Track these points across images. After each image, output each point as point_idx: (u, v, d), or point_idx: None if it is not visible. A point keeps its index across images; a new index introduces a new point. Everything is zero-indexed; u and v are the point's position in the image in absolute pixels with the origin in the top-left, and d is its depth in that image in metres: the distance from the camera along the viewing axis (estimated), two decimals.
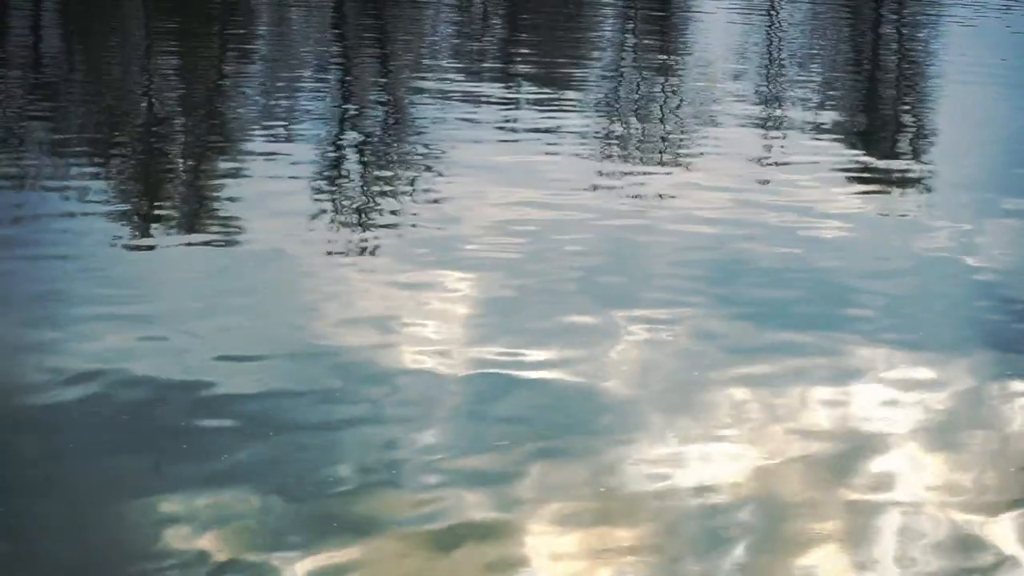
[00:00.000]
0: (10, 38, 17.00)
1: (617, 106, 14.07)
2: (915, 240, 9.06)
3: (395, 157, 10.73)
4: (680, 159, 11.30)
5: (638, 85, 15.50)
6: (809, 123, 13.38)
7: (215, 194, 9.26)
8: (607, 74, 16.34)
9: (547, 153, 10.98)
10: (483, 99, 13.33)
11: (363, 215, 8.88)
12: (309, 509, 4.88)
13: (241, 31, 18.47)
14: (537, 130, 11.91)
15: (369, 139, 11.53)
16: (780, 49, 20.01)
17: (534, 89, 14.50)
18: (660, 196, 9.79)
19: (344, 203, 9.17)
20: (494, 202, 9.22)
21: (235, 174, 9.78)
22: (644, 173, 10.70)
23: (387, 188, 9.67)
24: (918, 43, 22.23)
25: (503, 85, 14.62)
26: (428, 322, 6.81)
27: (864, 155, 12.23)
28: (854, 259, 8.52)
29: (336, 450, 5.36)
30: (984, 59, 19.27)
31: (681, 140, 12.24)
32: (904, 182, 11.12)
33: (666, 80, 15.88)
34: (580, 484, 5.21)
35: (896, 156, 12.52)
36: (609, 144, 11.94)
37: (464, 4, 23.44)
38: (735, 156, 11.36)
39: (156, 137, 11.10)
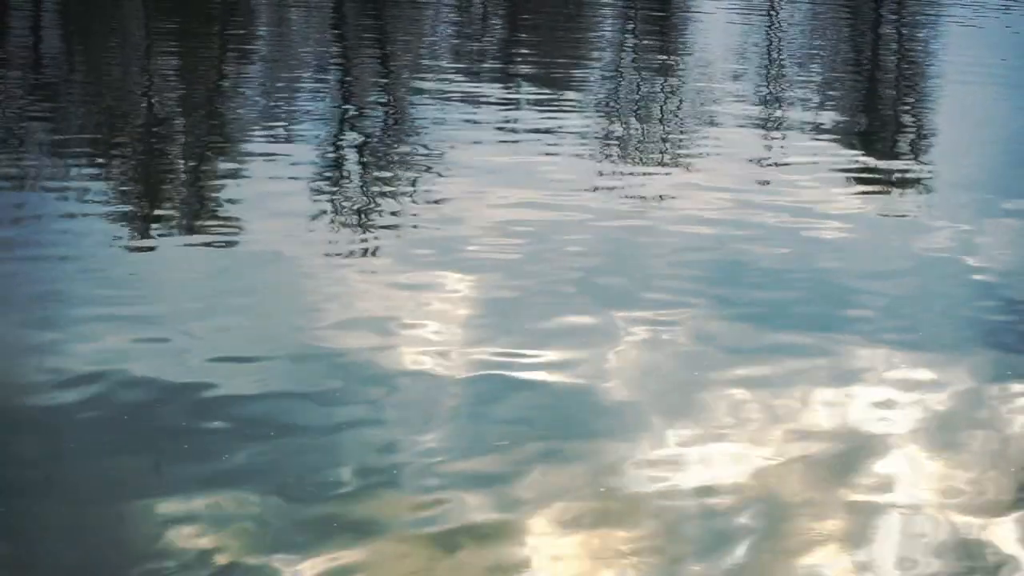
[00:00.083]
0: (10, 38, 17.00)
1: (617, 107, 14.07)
2: (915, 240, 9.06)
3: (395, 158, 10.73)
4: (680, 160, 11.30)
5: (638, 85, 15.50)
6: (809, 123, 13.38)
7: (215, 195, 9.26)
8: (607, 75, 16.34)
9: (547, 154, 10.98)
10: (483, 100, 13.33)
11: (363, 216, 8.88)
12: (309, 511, 4.88)
13: (241, 31, 18.47)
14: (537, 131, 11.91)
15: (369, 140, 11.53)
16: (780, 49, 20.01)
17: (534, 90, 14.50)
18: (660, 197, 9.79)
19: (344, 204, 9.17)
20: (494, 203, 9.22)
21: (235, 175, 9.78)
22: (644, 174, 10.70)
23: (387, 189, 9.67)
24: (918, 43, 22.23)
25: (503, 86, 14.62)
26: (428, 323, 6.81)
27: (864, 155, 12.23)
28: (854, 260, 8.51)
29: (336, 451, 5.36)
30: (984, 59, 19.27)
31: (681, 141, 12.24)
32: (904, 182, 11.13)
33: (666, 80, 15.88)
34: (581, 485, 5.21)
35: (896, 156, 12.52)
36: (609, 145, 11.95)
37: (464, 4, 23.44)
38: (735, 157, 11.36)
39: (156, 138, 11.09)
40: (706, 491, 5.24)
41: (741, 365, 6.53)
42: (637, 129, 12.83)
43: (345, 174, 10.19)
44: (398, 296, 7.22)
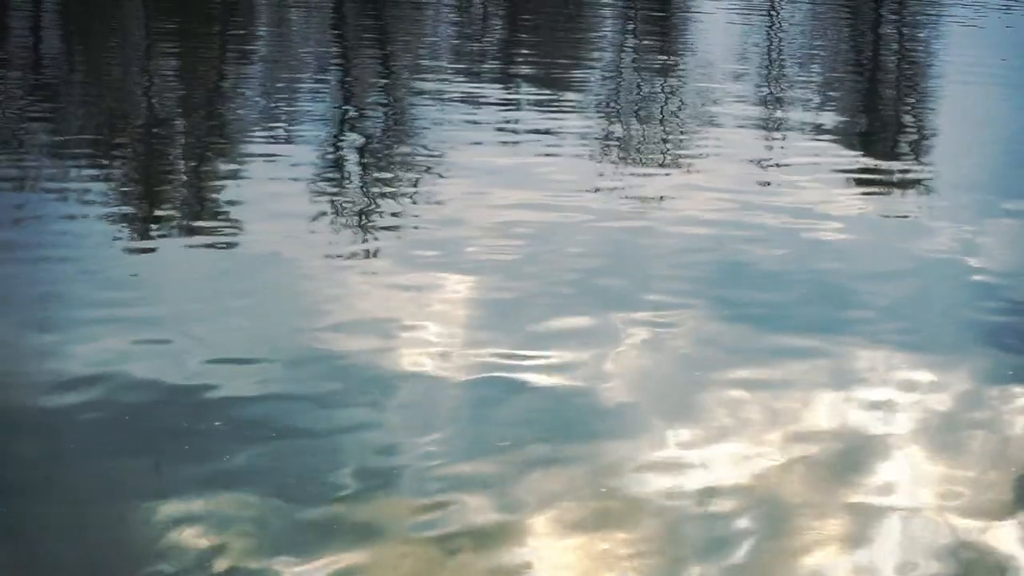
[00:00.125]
0: (10, 39, 17.00)
1: (617, 107, 14.06)
2: (916, 241, 9.05)
3: (395, 159, 10.73)
4: (680, 161, 11.30)
5: (638, 86, 15.49)
6: (809, 124, 13.38)
7: (216, 196, 9.26)
8: (607, 75, 16.33)
9: (547, 155, 10.97)
10: (483, 100, 13.33)
11: (363, 217, 8.88)
12: (310, 513, 4.87)
13: (241, 32, 18.47)
14: (537, 131, 11.91)
15: (369, 141, 11.53)
16: (780, 50, 20.01)
17: (534, 90, 14.50)
18: (660, 198, 9.78)
19: (344, 205, 9.17)
20: (494, 204, 9.21)
21: (235, 176, 9.78)
22: (644, 175, 10.69)
23: (387, 190, 9.67)
24: (918, 43, 22.23)
25: (503, 86, 14.62)
26: (429, 324, 6.80)
27: (865, 156, 12.23)
28: (855, 261, 8.51)
29: (337, 453, 5.35)
30: (984, 59, 19.27)
31: (681, 141, 12.24)
32: (905, 183, 11.12)
33: (666, 81, 15.88)
34: (582, 487, 5.20)
35: (897, 157, 12.52)
36: (609, 146, 11.94)
37: (464, 5, 23.44)
38: (735, 157, 11.35)
39: (156, 139, 11.09)
40: (707, 493, 5.23)
41: (742, 366, 6.53)
42: (637, 130, 12.83)
43: (345, 175, 10.19)
44: (398, 297, 7.22)
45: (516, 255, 8.06)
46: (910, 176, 11.47)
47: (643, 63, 17.77)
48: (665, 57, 18.43)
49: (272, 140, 11.09)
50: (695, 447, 5.65)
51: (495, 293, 7.40)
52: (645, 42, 20.22)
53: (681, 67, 17.30)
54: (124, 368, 6.02)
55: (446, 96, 13.37)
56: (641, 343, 6.78)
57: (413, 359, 6.36)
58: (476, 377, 6.21)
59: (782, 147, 12.20)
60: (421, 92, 13.59)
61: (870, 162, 11.96)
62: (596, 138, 12.05)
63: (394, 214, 8.98)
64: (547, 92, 14.32)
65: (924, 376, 6.57)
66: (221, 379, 5.98)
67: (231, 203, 9.01)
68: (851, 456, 5.65)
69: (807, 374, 6.51)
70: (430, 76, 14.80)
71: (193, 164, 10.28)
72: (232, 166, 10.12)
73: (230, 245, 8.09)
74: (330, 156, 10.72)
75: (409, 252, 8.05)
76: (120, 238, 8.16)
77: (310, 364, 6.26)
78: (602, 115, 13.45)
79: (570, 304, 7.28)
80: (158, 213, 8.83)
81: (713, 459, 5.55)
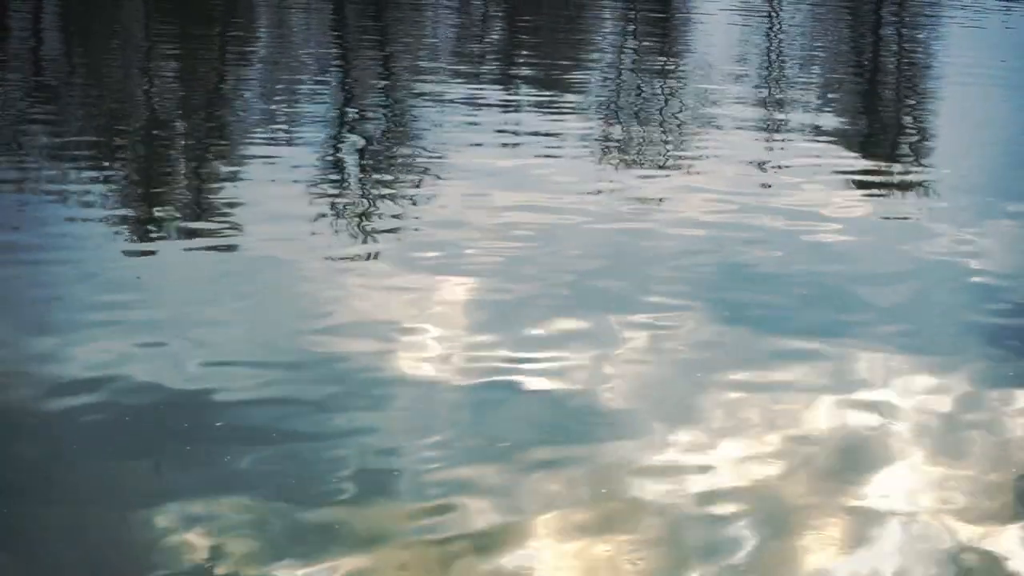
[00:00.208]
0: (10, 40, 17.00)
1: (617, 109, 14.06)
2: (916, 243, 9.04)
3: (395, 160, 10.73)
4: (680, 162, 11.30)
5: (638, 88, 15.49)
6: (809, 126, 13.38)
7: (216, 198, 9.25)
8: (607, 77, 16.34)
9: (547, 156, 10.98)
10: (483, 102, 13.33)
11: (363, 219, 8.88)
12: (310, 517, 4.87)
13: (241, 33, 18.47)
14: (537, 133, 11.91)
15: (369, 143, 11.52)
16: (780, 51, 20.01)
17: (534, 92, 14.50)
18: (661, 200, 9.78)
19: (344, 207, 9.16)
20: (494, 206, 9.21)
21: (236, 178, 9.78)
22: (644, 176, 10.69)
23: (387, 192, 9.66)
24: (918, 44, 22.24)
25: (503, 88, 14.63)
26: (429, 327, 6.80)
27: (865, 158, 12.23)
28: (855, 263, 8.51)
29: (337, 457, 5.35)
30: (984, 60, 19.28)
31: (681, 143, 12.24)
32: (905, 185, 11.12)
33: (666, 83, 15.88)
34: (582, 491, 5.20)
35: (897, 159, 12.51)
36: (609, 147, 11.94)
37: (464, 6, 23.44)
38: (735, 159, 11.36)
39: (156, 141, 11.09)
40: (707, 496, 5.23)
41: (742, 369, 6.53)
42: (637, 132, 12.83)
43: (345, 177, 10.19)
44: (398, 300, 7.21)
45: (516, 257, 8.06)
46: (910, 178, 11.46)
47: (643, 64, 17.77)
48: (665, 59, 18.44)
49: (272, 142, 11.09)
50: (695, 450, 5.65)
51: (495, 295, 7.40)
52: (645, 43, 20.22)
53: (681, 69, 17.31)
54: (124, 371, 6.02)
55: (446, 98, 13.38)
56: (641, 345, 6.77)
57: (413, 362, 6.36)
58: (476, 380, 6.20)
59: (782, 149, 12.20)
60: (421, 94, 13.60)
61: (870, 164, 11.96)
62: (596, 140, 12.05)
63: (394, 216, 8.97)
64: (547, 94, 14.32)
65: (924, 379, 6.57)
66: (221, 382, 5.98)
67: (231, 205, 9.00)
68: (851, 459, 5.64)
69: (807, 377, 6.51)
70: (430, 78, 14.80)
71: (193, 166, 10.28)
72: (232, 168, 10.12)
73: (230, 247, 8.08)
74: (330, 158, 10.72)
75: (409, 254, 8.05)
76: (120, 240, 8.16)
77: (310, 367, 6.25)
78: (602, 117, 13.45)
79: (570, 306, 7.28)
80: (158, 215, 8.83)
81: (713, 462, 5.54)
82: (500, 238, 8.44)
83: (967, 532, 5.08)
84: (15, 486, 5.03)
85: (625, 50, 19.46)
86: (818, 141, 12.67)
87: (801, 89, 16.33)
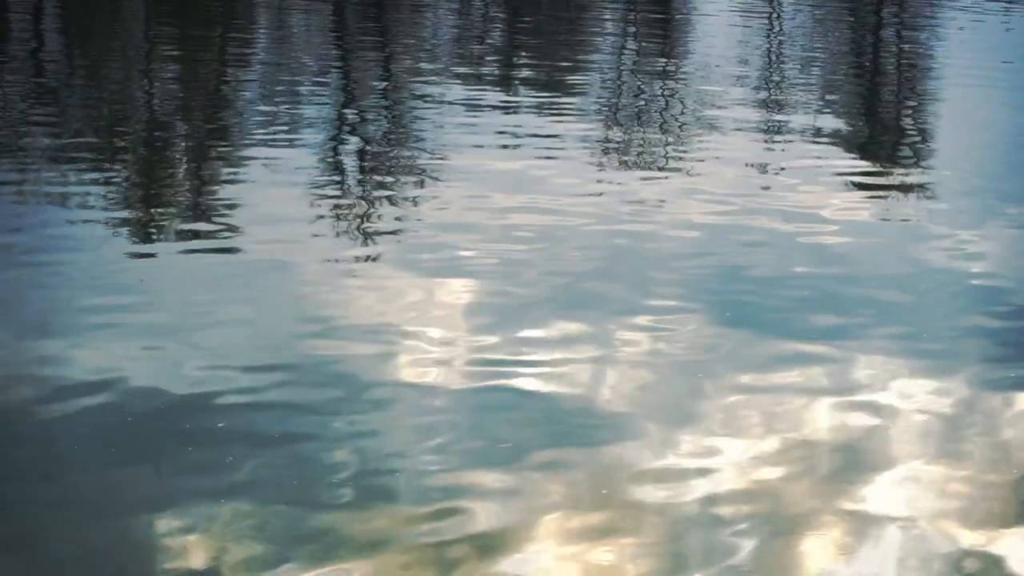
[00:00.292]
0: (10, 41, 17.00)
1: (618, 111, 14.06)
2: (917, 246, 9.04)
3: (396, 163, 10.73)
4: (681, 164, 11.29)
5: (638, 90, 15.50)
6: (810, 128, 13.38)
7: (217, 200, 9.25)
8: (607, 78, 16.34)
9: (547, 158, 10.98)
10: (483, 104, 13.34)
11: (364, 221, 8.88)
12: (311, 521, 4.87)
13: (241, 35, 18.47)
14: (537, 135, 11.92)
15: (370, 145, 11.53)
16: (781, 53, 20.01)
17: (534, 94, 14.50)
18: (661, 202, 9.78)
19: (345, 209, 9.16)
20: (495, 208, 9.22)
21: (236, 180, 9.77)
22: (645, 178, 10.69)
23: (388, 194, 9.66)
24: (919, 46, 22.24)
25: (503, 90, 14.63)
26: (429, 330, 6.80)
27: (866, 160, 12.23)
28: (855, 265, 8.51)
29: (337, 461, 5.35)
30: (986, 62, 19.29)
31: (682, 145, 12.23)
32: (906, 187, 11.12)
33: (667, 84, 15.89)
34: (583, 494, 5.20)
35: (897, 161, 12.51)
36: (610, 149, 11.94)
37: (464, 8, 23.44)
38: (736, 161, 11.36)
39: (157, 143, 11.09)
40: (707, 499, 5.23)
41: (742, 371, 6.53)
42: (638, 133, 12.83)
43: (346, 179, 10.19)
44: (399, 303, 7.21)
45: (517, 259, 8.07)
46: (911, 180, 11.46)
47: (643, 66, 17.77)
48: (665, 60, 18.44)
49: (273, 144, 11.08)
50: (696, 452, 5.65)
51: (496, 297, 7.40)
52: (645, 45, 20.22)
53: (681, 70, 17.31)
54: (126, 373, 6.02)
55: (446, 99, 13.39)
56: (641, 348, 6.77)
57: (414, 365, 6.36)
58: (477, 383, 6.20)
59: (782, 151, 12.20)
60: (421, 95, 13.60)
61: (870, 166, 11.96)
62: (596, 142, 12.05)
63: (395, 218, 8.98)
64: (547, 95, 14.33)
65: (925, 381, 6.57)
66: (223, 385, 5.98)
67: (232, 207, 9.00)
68: (851, 462, 5.64)
69: (807, 379, 6.51)
70: (430, 79, 14.80)
71: (194, 168, 10.28)
72: (233, 170, 10.11)
73: (231, 249, 8.08)
74: (331, 160, 10.72)
75: (410, 256, 8.05)
76: (121, 243, 8.16)
77: (311, 370, 6.25)
78: (602, 119, 13.45)
79: (571, 308, 7.28)
80: (159, 218, 8.83)
81: (714, 464, 5.54)
82: (501, 240, 8.44)
83: (967, 535, 5.08)
84: (16, 489, 5.03)
85: (625, 51, 19.46)
86: (818, 143, 12.67)
87: (801, 91, 16.33)
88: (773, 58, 19.34)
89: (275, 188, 9.51)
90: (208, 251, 8.06)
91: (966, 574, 4.85)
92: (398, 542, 4.77)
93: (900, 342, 7.08)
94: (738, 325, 7.19)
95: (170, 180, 9.92)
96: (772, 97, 15.52)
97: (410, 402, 5.98)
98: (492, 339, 6.74)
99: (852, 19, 25.67)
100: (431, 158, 10.76)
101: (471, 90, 14.25)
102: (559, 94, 14.48)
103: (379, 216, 9.04)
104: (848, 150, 12.52)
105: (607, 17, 23.43)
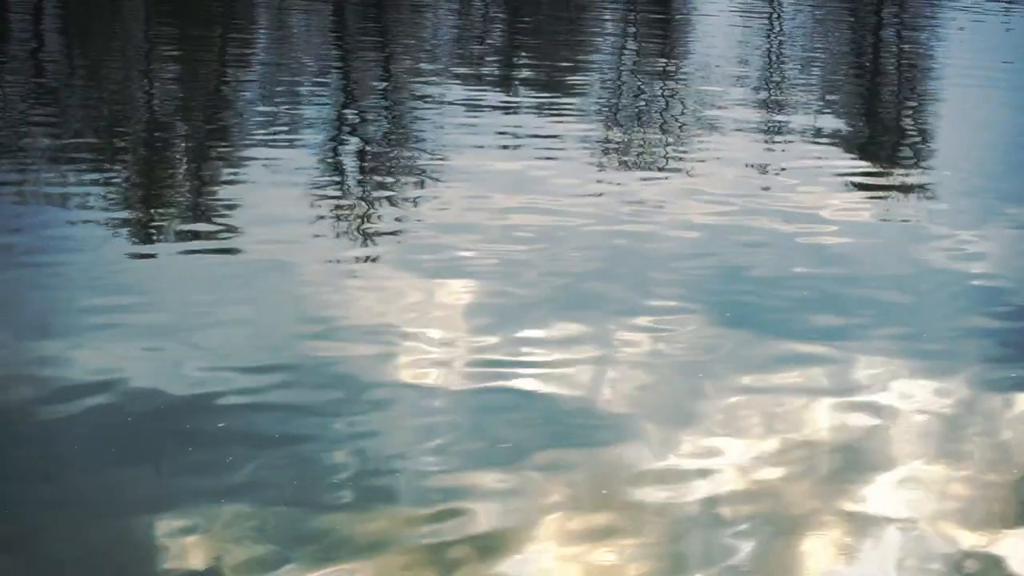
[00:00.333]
0: (10, 42, 17.00)
1: (618, 112, 14.06)
2: (917, 246, 9.04)
3: (396, 163, 10.73)
4: (681, 165, 11.29)
5: (638, 90, 15.50)
6: (810, 128, 13.38)
7: (217, 201, 9.25)
8: (607, 79, 16.34)
9: (548, 159, 10.97)
10: (483, 104, 13.34)
11: (364, 222, 8.88)
12: (311, 522, 4.86)
13: (241, 35, 18.48)
14: (537, 135, 11.92)
15: (370, 145, 11.53)
16: (781, 53, 20.01)
17: (534, 94, 14.50)
18: (661, 203, 9.78)
19: (345, 210, 9.16)
20: (495, 208, 9.22)
21: (236, 181, 9.77)
22: (645, 179, 10.69)
23: (388, 194, 9.67)
24: (919, 46, 22.24)
25: (503, 90, 14.63)
26: (429, 331, 6.80)
27: (866, 160, 12.23)
28: (855, 266, 8.51)
29: (337, 462, 5.34)
30: (986, 62, 19.29)
31: (682, 146, 12.23)
32: (906, 188, 11.12)
33: (667, 85, 15.89)
34: (583, 496, 5.20)
35: (898, 161, 12.51)
36: (610, 150, 11.94)
37: (464, 8, 23.44)
38: (736, 162, 11.36)
39: (157, 143, 11.09)
40: (709, 500, 5.23)
41: (742, 372, 6.53)
42: (638, 134, 12.83)
43: (346, 180, 10.19)
44: (399, 304, 7.21)
45: (517, 260, 8.06)
46: (911, 180, 11.46)
47: (643, 66, 17.77)
48: (665, 60, 18.44)
49: (273, 144, 11.08)
50: (696, 453, 5.65)
51: (496, 298, 7.40)
52: (645, 45, 20.22)
53: (681, 70, 17.31)
54: (126, 374, 6.02)
55: (446, 100, 13.39)
56: (642, 348, 6.77)
57: (414, 366, 6.36)
58: (477, 384, 6.20)
59: (783, 151, 12.20)
60: (421, 96, 13.60)
61: (871, 166, 11.96)
62: (596, 142, 12.05)
63: (395, 219, 8.98)
64: (547, 96, 14.33)
65: (925, 382, 6.56)
66: (223, 385, 5.98)
67: (232, 207, 9.00)
68: (852, 463, 5.64)
69: (807, 380, 6.51)
70: (430, 80, 14.81)
71: (194, 168, 10.28)
72: (233, 170, 10.11)
73: (231, 250, 8.08)
74: (331, 160, 10.72)
75: (410, 257, 8.05)
76: (121, 243, 8.16)
77: (312, 370, 6.25)
78: (602, 119, 13.45)
79: (571, 309, 7.28)
80: (159, 218, 8.83)
81: (714, 465, 5.54)
82: (501, 241, 8.44)
83: (968, 536, 5.08)
84: (16, 489, 5.03)
85: (625, 52, 19.46)
86: (818, 143, 12.68)
87: (801, 91, 16.33)
88: (773, 58, 19.35)
89: (275, 188, 9.52)
90: (208, 252, 8.06)
91: (966, 575, 4.85)
92: (398, 543, 4.77)
93: (900, 342, 7.08)
94: (738, 325, 7.19)
95: (170, 181, 9.92)
96: (772, 97, 15.52)
97: (410, 403, 5.98)
98: (492, 340, 6.74)
99: (852, 19, 25.67)
100: (431, 158, 10.76)
101: (471, 90, 14.25)
102: (559, 94, 14.48)
103: (379, 216, 9.04)
104: (848, 150, 12.52)
105: (607, 17, 23.43)
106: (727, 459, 5.61)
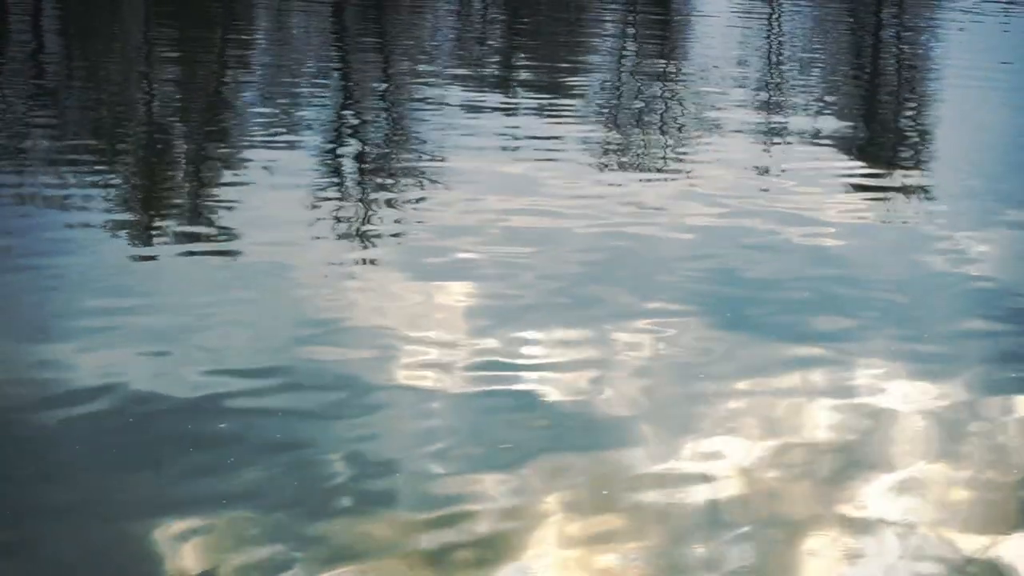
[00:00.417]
0: (10, 43, 17.00)
1: (617, 114, 14.06)
2: (916, 248, 9.04)
3: (395, 165, 10.72)
4: (681, 167, 11.30)
5: (638, 92, 15.50)
6: (809, 130, 13.38)
7: (217, 203, 9.25)
8: (607, 81, 16.34)
9: (547, 160, 10.98)
10: (483, 106, 13.34)
11: (364, 225, 8.88)
12: (312, 526, 4.86)
13: (241, 37, 18.48)
14: (537, 138, 11.92)
15: (369, 147, 11.53)
16: (780, 54, 20.02)
17: (534, 96, 14.51)
18: (660, 205, 9.77)
19: (345, 212, 9.16)
20: (494, 210, 9.21)
21: (236, 183, 9.77)
22: (644, 181, 10.69)
23: (388, 197, 9.67)
24: (918, 47, 22.24)
25: (503, 92, 14.64)
26: (429, 334, 6.79)
27: (865, 163, 12.23)
28: (854, 268, 8.51)
29: (338, 466, 5.34)
30: (985, 63, 19.29)
31: (681, 147, 12.23)
32: (906, 189, 11.11)
33: (666, 86, 15.89)
34: (583, 499, 5.20)
35: (897, 163, 12.51)
36: (609, 152, 11.94)
37: (464, 10, 23.45)
38: (735, 164, 11.36)
39: (156, 145, 11.09)
40: (708, 503, 5.23)
41: (742, 375, 6.53)
42: (637, 136, 12.83)
43: (346, 182, 10.19)
44: (399, 306, 7.21)
45: (516, 262, 8.06)
46: (910, 182, 11.46)
47: (643, 68, 17.77)
48: (665, 62, 18.44)
49: (273, 146, 11.08)
50: (696, 456, 5.65)
51: (496, 300, 7.40)
52: (645, 46, 20.23)
53: (681, 72, 17.31)
54: (125, 378, 6.01)
55: (446, 102, 13.39)
56: (642, 351, 6.77)
57: (414, 368, 6.36)
58: (476, 387, 6.20)
59: (782, 153, 12.20)
60: (421, 98, 13.60)
61: (870, 168, 11.96)
62: (596, 144, 12.05)
63: (395, 221, 8.98)
64: (547, 97, 14.34)
65: (925, 385, 6.56)
66: (223, 388, 5.97)
67: (232, 210, 9.00)
68: (852, 466, 5.64)
69: (807, 382, 6.51)
70: (430, 81, 14.81)
71: (194, 171, 10.28)
72: (233, 172, 10.12)
73: (231, 252, 8.08)
74: (331, 163, 10.72)
75: (410, 259, 8.05)
76: (121, 246, 8.16)
77: (311, 374, 6.25)
78: (602, 121, 13.46)
79: (570, 311, 7.28)
80: (159, 221, 8.83)
81: (714, 468, 5.54)
82: (501, 243, 8.44)
83: (969, 539, 5.08)
84: (16, 493, 5.02)
85: (625, 53, 19.46)
86: (818, 145, 12.67)
87: (801, 92, 16.33)
88: (773, 60, 19.35)
89: (275, 191, 9.52)
90: (208, 254, 8.07)
91: None
92: (399, 546, 4.77)
93: (900, 344, 7.08)
94: (738, 327, 7.20)
95: (170, 183, 9.92)
96: (772, 99, 15.52)
97: (410, 405, 5.98)
98: (492, 342, 6.74)
99: (851, 20, 25.67)
100: (431, 160, 10.76)
101: (471, 92, 14.25)
102: (559, 96, 14.48)
103: (379, 219, 9.04)
104: (848, 152, 12.52)
105: (607, 19, 23.43)
106: (727, 461, 5.61)
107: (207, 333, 6.63)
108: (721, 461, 5.61)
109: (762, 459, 5.65)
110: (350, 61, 16.90)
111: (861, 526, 5.12)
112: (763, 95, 15.79)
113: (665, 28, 22.64)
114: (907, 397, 6.39)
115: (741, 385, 6.41)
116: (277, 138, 11.46)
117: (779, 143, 12.64)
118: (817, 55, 20.93)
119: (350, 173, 10.52)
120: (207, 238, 8.36)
